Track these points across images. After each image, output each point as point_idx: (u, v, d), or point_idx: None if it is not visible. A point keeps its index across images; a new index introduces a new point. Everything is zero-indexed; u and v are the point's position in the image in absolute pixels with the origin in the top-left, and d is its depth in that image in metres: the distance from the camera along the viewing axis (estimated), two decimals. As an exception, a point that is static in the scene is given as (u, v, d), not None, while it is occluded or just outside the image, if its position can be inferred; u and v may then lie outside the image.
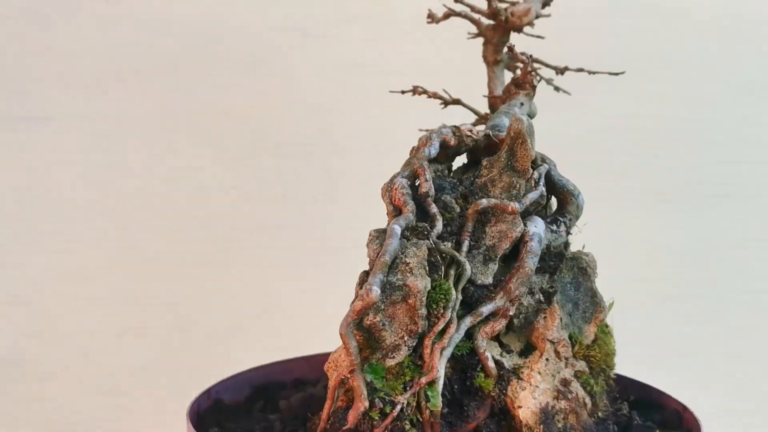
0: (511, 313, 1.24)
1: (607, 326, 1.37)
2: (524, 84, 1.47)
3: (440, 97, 1.59)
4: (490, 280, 1.26)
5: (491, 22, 1.57)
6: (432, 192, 1.27)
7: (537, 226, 1.28)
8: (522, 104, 1.46)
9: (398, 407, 1.17)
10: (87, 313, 2.11)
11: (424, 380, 1.18)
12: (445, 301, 1.20)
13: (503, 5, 1.55)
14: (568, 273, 1.34)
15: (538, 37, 1.62)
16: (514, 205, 1.26)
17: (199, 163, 2.13)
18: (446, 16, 1.63)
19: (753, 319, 2.18)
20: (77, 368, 2.12)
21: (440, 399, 1.20)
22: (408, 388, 1.19)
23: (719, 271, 2.15)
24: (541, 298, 1.30)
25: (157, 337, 2.14)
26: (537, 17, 1.58)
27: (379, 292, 1.14)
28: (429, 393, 1.20)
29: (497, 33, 1.58)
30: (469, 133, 1.33)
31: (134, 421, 2.13)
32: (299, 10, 2.17)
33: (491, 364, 1.25)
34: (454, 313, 1.21)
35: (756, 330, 2.18)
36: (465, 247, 1.25)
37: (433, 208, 1.25)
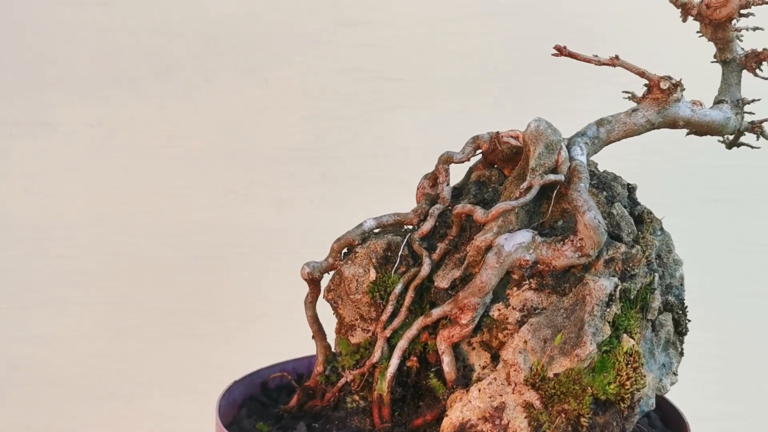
0: (463, 322, 1.22)
1: (610, 372, 1.17)
2: (651, 88, 1.28)
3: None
4: (445, 284, 1.25)
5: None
6: (444, 194, 1.30)
7: (508, 240, 1.20)
8: (634, 111, 1.28)
9: (342, 380, 1.31)
10: (86, 318, 2.16)
11: (367, 363, 1.29)
12: (383, 293, 1.27)
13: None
14: (573, 297, 1.20)
15: (757, 29, 1.34)
16: (478, 213, 1.21)
17: (197, 167, 2.12)
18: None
19: (744, 321, 2.20)
20: (76, 372, 2.18)
21: (386, 385, 1.27)
22: (359, 367, 1.30)
23: (714, 273, 2.14)
24: (518, 317, 1.21)
25: (156, 341, 2.16)
26: (747, 6, 1.31)
27: (308, 270, 1.30)
28: (379, 377, 1.29)
29: (708, 29, 1.37)
30: (507, 140, 1.29)
31: (134, 424, 2.19)
32: (297, 14, 2.08)
33: (447, 368, 1.25)
34: (401, 308, 1.26)
35: (746, 332, 2.20)
36: (440, 249, 1.27)
37: (432, 209, 1.30)
